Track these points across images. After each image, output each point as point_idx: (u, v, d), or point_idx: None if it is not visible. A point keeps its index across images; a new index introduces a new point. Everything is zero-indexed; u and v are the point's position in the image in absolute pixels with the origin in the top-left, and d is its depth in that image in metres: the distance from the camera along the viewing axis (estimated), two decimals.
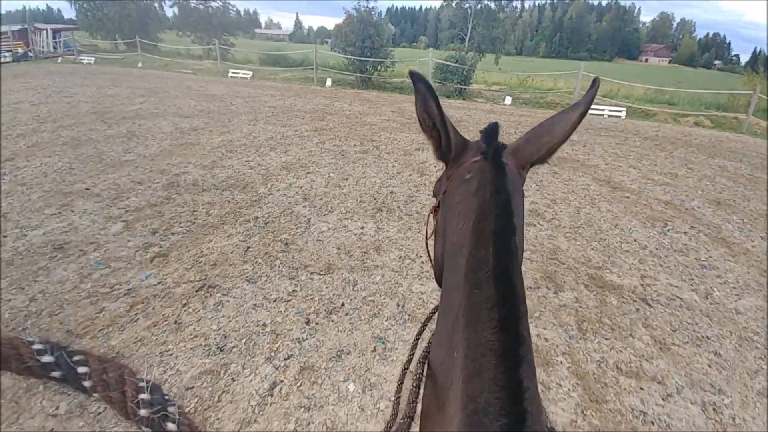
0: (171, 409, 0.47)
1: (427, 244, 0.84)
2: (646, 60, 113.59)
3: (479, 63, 16.10)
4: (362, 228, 3.88)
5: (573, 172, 6.16)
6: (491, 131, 0.61)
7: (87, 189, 4.55)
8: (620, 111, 11.89)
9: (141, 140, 6.54)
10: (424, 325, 0.83)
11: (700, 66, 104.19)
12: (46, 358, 0.45)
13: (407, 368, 0.77)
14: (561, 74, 17.37)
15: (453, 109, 11.64)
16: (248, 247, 3.41)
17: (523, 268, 2.48)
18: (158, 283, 2.96)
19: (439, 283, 0.69)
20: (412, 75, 0.63)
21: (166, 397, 0.49)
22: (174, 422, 0.46)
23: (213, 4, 26.62)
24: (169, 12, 27.15)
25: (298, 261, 3.26)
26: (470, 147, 0.68)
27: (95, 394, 0.46)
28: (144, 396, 0.45)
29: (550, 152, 0.67)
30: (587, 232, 4.16)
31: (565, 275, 3.30)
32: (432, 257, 0.78)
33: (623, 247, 3.91)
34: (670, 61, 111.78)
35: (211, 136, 6.95)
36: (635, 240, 4.06)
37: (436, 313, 0.64)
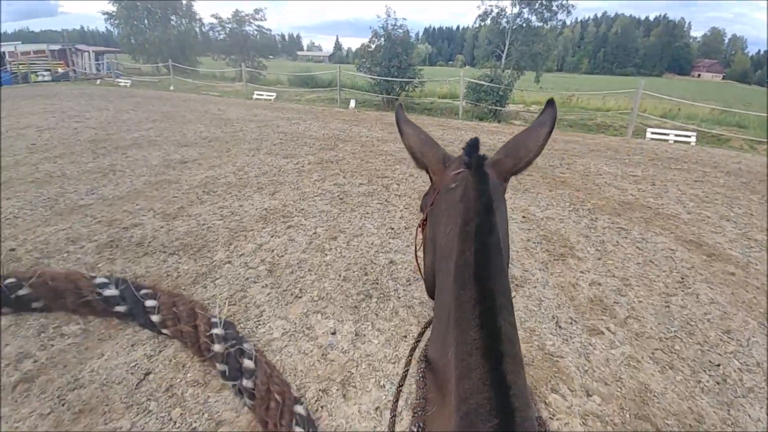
0: (246, 345, 0.41)
1: (416, 257, 0.86)
2: (699, 75, 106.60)
3: (517, 81, 14.64)
4: (333, 333, 2.61)
5: (646, 226, 4.60)
6: (472, 145, 0.65)
7: (12, 250, 3.62)
8: (689, 136, 10.00)
9: (117, 176, 5.69)
10: (417, 341, 0.81)
11: (753, 83, 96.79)
12: (109, 292, 0.35)
13: (407, 370, 0.79)
14: (614, 92, 15.53)
15: (486, 133, 10.23)
16: (148, 373, 2.23)
17: None
18: None
19: (431, 295, 0.71)
20: (398, 113, 0.85)
21: (240, 334, 0.43)
22: (251, 359, 0.35)
23: (247, 28, 27.08)
24: (221, 35, 27.85)
25: (213, 410, 2.02)
26: (453, 161, 0.75)
27: (164, 330, 0.33)
28: (217, 331, 0.38)
29: (527, 164, 0.71)
30: (689, 348, 2.66)
31: None
32: (422, 270, 0.80)
33: (746, 381, 2.38)
34: (723, 77, 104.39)
35: (197, 171, 6.00)
36: (759, 364, 2.52)
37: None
